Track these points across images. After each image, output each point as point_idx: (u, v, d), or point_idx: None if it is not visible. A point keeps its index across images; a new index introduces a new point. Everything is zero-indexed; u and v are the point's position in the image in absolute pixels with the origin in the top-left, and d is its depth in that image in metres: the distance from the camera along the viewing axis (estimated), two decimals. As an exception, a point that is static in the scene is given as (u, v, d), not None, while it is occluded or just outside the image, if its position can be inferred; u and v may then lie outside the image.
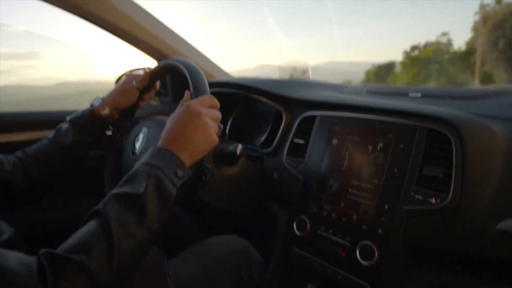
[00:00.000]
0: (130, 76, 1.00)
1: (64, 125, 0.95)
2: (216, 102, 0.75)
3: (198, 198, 0.89)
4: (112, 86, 1.07)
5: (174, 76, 1.47)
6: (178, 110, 0.73)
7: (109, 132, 1.08)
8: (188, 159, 0.67)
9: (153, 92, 1.04)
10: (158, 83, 1.04)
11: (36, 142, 0.95)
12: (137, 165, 0.63)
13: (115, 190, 0.60)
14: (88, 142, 0.96)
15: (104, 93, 1.01)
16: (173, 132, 0.68)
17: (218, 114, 0.74)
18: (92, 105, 0.97)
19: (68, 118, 0.96)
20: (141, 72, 0.99)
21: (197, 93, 0.77)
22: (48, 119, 1.25)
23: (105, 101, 0.97)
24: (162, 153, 0.65)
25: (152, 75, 0.98)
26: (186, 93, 0.79)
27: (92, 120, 0.95)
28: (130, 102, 1.00)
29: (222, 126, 0.76)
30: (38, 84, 2.31)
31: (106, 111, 0.97)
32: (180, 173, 0.64)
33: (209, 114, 0.71)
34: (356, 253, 0.83)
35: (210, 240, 0.93)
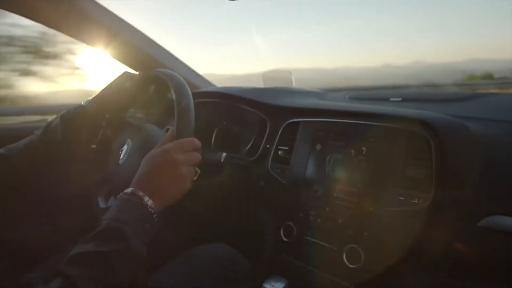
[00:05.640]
0: (124, 76, 0.97)
1: (55, 121, 0.92)
2: (197, 143, 0.75)
3: (184, 206, 0.89)
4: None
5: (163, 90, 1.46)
6: (156, 151, 0.73)
7: (93, 146, 1.07)
8: (158, 205, 0.67)
9: (145, 96, 1.02)
10: (152, 88, 1.02)
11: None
12: (105, 220, 0.62)
13: (80, 248, 0.58)
14: (77, 140, 0.93)
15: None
16: (147, 177, 0.69)
17: (196, 158, 0.75)
18: (83, 103, 0.95)
19: (59, 114, 0.93)
20: (135, 75, 0.97)
21: (179, 134, 0.75)
22: None
23: (96, 99, 0.95)
24: (132, 206, 0.65)
25: (146, 79, 0.96)
26: (170, 130, 0.78)
27: (82, 117, 0.93)
28: (121, 103, 0.98)
29: (199, 170, 0.76)
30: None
31: (96, 109, 0.94)
32: (148, 227, 0.64)
33: (186, 161, 0.71)
34: (343, 256, 0.83)
35: (196, 249, 0.92)
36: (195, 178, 0.74)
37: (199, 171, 0.76)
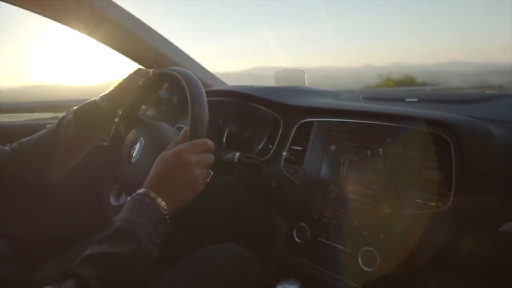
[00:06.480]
0: (137, 73, 0.97)
1: (68, 116, 0.92)
2: (210, 145, 0.74)
3: (195, 206, 0.88)
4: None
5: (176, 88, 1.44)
6: (169, 152, 0.72)
7: (105, 144, 1.06)
8: (170, 206, 0.67)
9: (158, 93, 1.02)
10: (165, 86, 1.01)
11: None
12: (118, 221, 0.61)
13: (93, 249, 0.58)
14: (90, 135, 0.93)
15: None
16: (159, 179, 0.69)
17: (209, 159, 0.74)
18: (96, 98, 0.95)
19: (73, 109, 0.93)
20: (149, 72, 0.97)
21: (192, 135, 0.74)
22: None
23: (109, 95, 0.95)
24: (144, 206, 0.64)
25: (159, 77, 0.95)
26: (183, 131, 0.78)
27: (95, 113, 0.92)
28: (134, 100, 0.97)
29: (211, 172, 0.75)
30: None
31: (109, 105, 0.94)
32: (160, 229, 0.64)
33: (199, 163, 0.71)
34: (358, 259, 0.81)
35: (207, 248, 0.90)
36: (207, 179, 0.74)
37: (211, 172, 0.75)
